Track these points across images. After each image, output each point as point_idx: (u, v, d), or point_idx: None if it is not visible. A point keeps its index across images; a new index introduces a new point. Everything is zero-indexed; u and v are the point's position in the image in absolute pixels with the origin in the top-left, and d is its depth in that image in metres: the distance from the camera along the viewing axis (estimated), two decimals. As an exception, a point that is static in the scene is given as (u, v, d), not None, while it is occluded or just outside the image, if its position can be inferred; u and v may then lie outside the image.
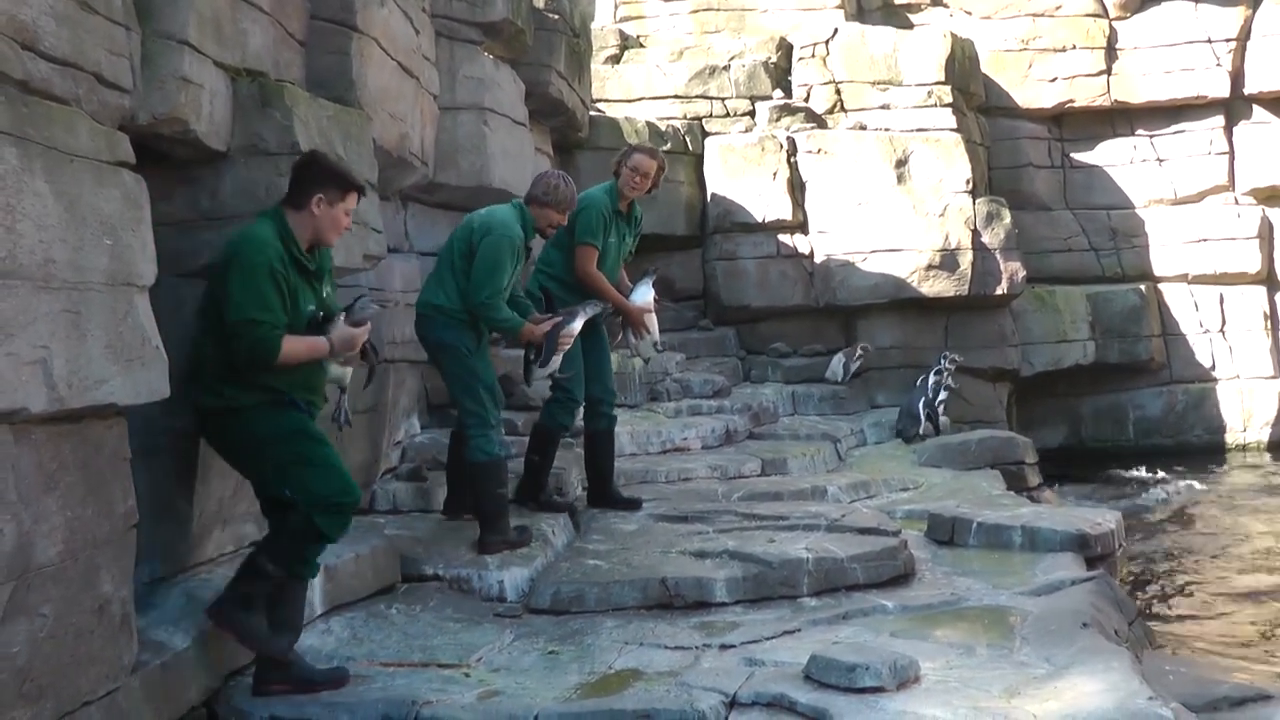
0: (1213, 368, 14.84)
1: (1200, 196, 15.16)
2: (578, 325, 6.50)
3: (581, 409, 6.99)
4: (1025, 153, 15.22)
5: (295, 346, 4.39)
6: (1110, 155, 15.42)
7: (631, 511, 7.05)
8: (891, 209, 13.01)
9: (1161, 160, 15.29)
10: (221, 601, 4.42)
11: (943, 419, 11.45)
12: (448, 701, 4.41)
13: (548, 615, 5.59)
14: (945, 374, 11.53)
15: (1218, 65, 14.92)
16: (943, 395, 11.39)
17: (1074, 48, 15.19)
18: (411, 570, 5.82)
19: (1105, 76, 15.19)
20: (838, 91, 13.92)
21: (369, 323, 4.64)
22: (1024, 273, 13.21)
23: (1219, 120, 15.12)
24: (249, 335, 4.29)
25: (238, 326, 4.29)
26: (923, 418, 11.22)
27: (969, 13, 15.58)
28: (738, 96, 14.10)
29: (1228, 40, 14.94)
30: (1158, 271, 15.08)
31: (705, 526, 6.77)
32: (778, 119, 13.76)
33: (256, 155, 4.87)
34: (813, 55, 14.09)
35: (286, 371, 4.41)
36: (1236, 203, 15.09)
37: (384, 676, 4.70)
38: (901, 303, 13.07)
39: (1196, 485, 12.49)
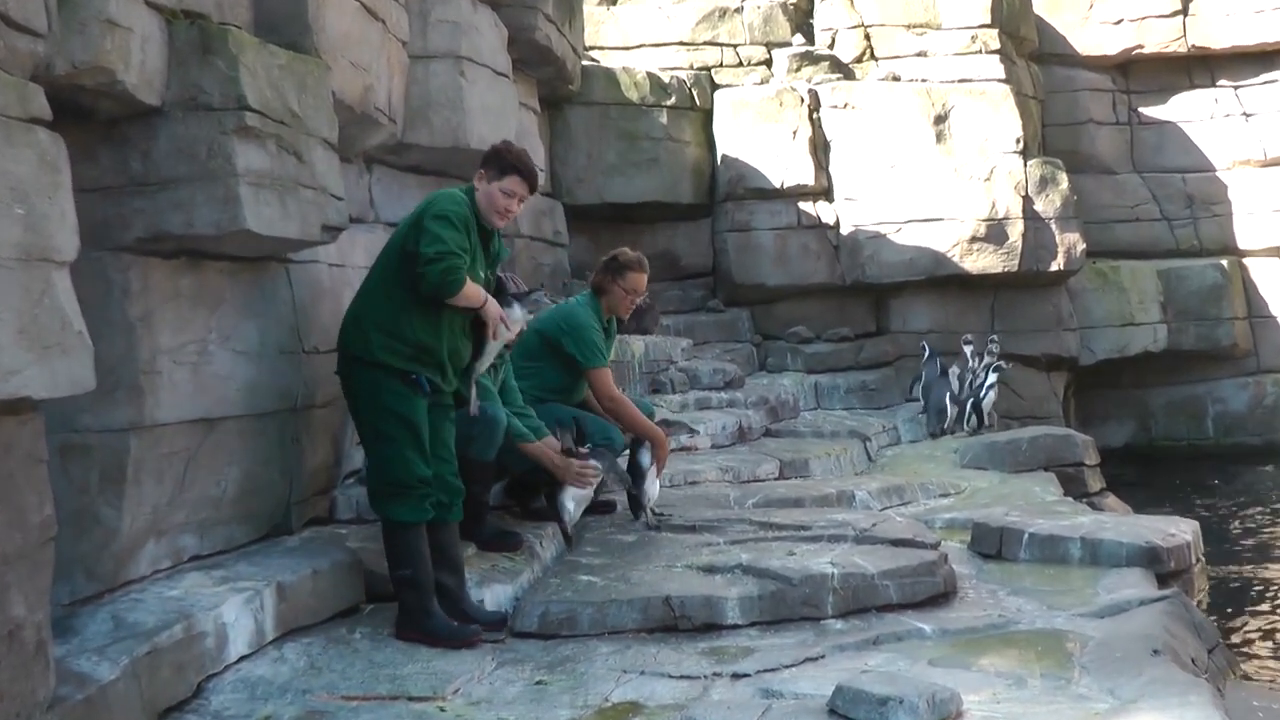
0: (1307, 355, 14.82)
1: (1293, 157, 15.15)
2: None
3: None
4: (1085, 107, 15.22)
5: (470, 289, 5.41)
6: (1186, 110, 15.40)
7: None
8: (929, 172, 13.01)
9: (1248, 115, 15.25)
10: (398, 621, 5.39)
11: (989, 414, 11.44)
12: (419, 741, 4.39)
13: (535, 639, 5.57)
14: (993, 357, 11.51)
15: (1314, 4, 14.91)
16: (991, 381, 11.34)
17: (1143, -16, 15.19)
18: (378, 588, 5.75)
19: (1181, 18, 15.15)
20: (867, 36, 13.90)
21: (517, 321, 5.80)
22: (1083, 245, 13.21)
23: (1317, 68, 15.12)
24: (445, 263, 5.24)
25: (436, 256, 5.23)
26: (950, 411, 11.19)
27: (1020, -56, 15.58)
28: (752, 43, 14.09)
29: (1326, -26, 14.93)
30: (1242, 244, 15.06)
31: (715, 537, 6.74)
32: (798, 69, 13.73)
33: (196, 110, 4.83)
34: (839, -6, 14.09)
35: (430, 350, 5.38)
36: (1336, 163, 15.08)
37: (346, 712, 4.67)
38: (941, 280, 13.10)
39: (1288, 491, 12.52)
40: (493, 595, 5.90)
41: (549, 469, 6.52)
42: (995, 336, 12.08)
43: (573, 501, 6.58)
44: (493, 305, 5.62)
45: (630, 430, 7.03)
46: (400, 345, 5.36)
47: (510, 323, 5.81)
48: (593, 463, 6.53)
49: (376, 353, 5.34)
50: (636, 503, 7.01)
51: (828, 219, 13.27)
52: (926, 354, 12.27)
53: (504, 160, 5.63)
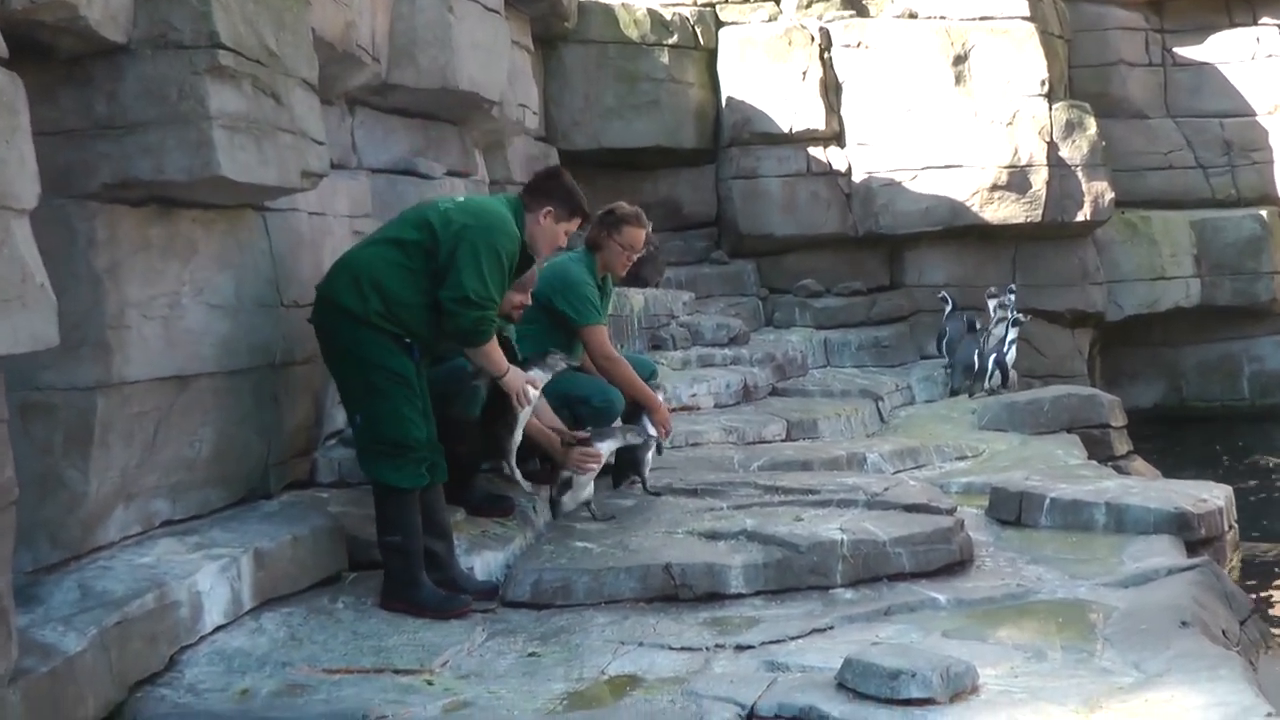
0: (1355, 312, 14.75)
1: (1343, 100, 15.06)
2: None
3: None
4: (1116, 47, 15.12)
5: (494, 351, 5.64)
6: (1225, 50, 15.29)
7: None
8: (947, 116, 12.96)
9: (1292, 56, 15.15)
10: (383, 591, 5.44)
11: (1010, 372, 11.43)
12: (406, 715, 4.41)
13: (527, 609, 5.61)
14: (1010, 309, 11.48)
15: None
16: (1012, 336, 11.34)
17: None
18: (362, 555, 5.79)
19: (1221, -51, 15.05)
20: (883, -31, 13.80)
21: (540, 384, 6.07)
22: (1112, 194, 13.16)
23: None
24: (480, 312, 5.41)
25: (473, 298, 5.35)
26: (990, 368, 11.18)
27: None
28: (760, -23, 13.99)
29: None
30: (1284, 194, 14.98)
31: (718, 502, 6.77)
32: (808, 5, 13.64)
33: (166, 49, 4.77)
34: (852, -77, 13.99)
35: (424, 340, 5.48)
36: (1389, 109, 14.98)
37: (328, 686, 4.69)
38: (959, 231, 13.07)
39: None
40: (483, 563, 5.93)
41: (548, 452, 6.53)
42: (1013, 287, 12.04)
43: (572, 501, 6.54)
44: (516, 376, 5.81)
45: (626, 393, 7.01)
46: (397, 324, 5.45)
47: (536, 388, 6.01)
48: (596, 448, 6.51)
49: (373, 317, 5.39)
50: (635, 469, 6.99)
51: (839, 165, 13.22)
52: (950, 307, 12.25)
53: (574, 203, 5.84)
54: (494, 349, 5.64)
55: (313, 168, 5.63)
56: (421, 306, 5.47)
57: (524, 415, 6.07)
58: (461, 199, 5.85)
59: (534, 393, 5.99)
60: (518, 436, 6.18)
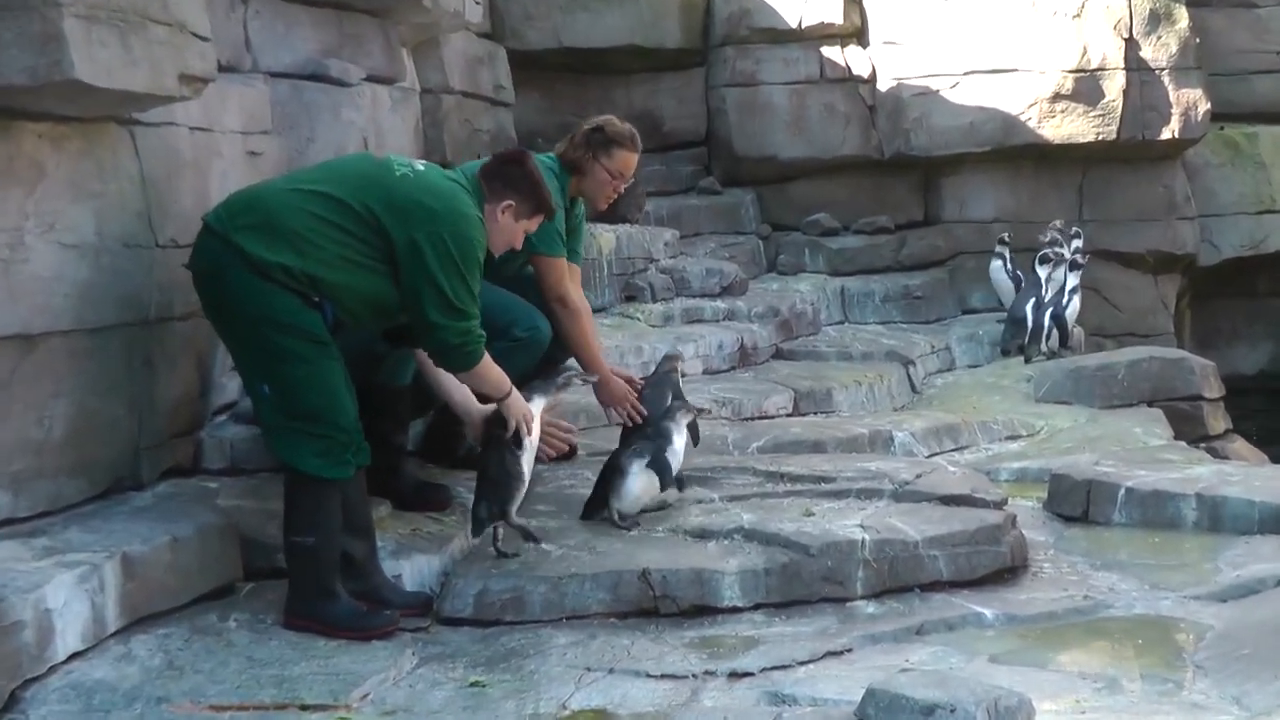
0: None
1: None
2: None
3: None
4: (1211, -87, 15.04)
5: (492, 371, 5.72)
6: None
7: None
8: (998, 7, 12.97)
9: None
10: (287, 605, 5.46)
11: (1074, 329, 11.42)
12: (313, 764, 4.45)
13: (470, 627, 5.63)
14: (1065, 249, 11.48)
15: None
16: (1073, 284, 11.32)
17: None
18: (260, 561, 5.82)
19: None
20: None
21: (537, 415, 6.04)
22: (1207, 106, 13.19)
23: None
24: (468, 322, 5.47)
25: (458, 306, 5.41)
26: (1046, 324, 11.15)
27: None
28: None
29: None
30: None
31: (708, 492, 6.77)
32: None
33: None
34: None
35: (359, 311, 5.51)
36: None
37: (215, 727, 4.71)
38: (1012, 153, 13.11)
39: None
40: (414, 569, 5.95)
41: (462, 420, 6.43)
42: (1059, 223, 12.00)
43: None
44: (517, 401, 5.86)
45: (572, 352, 6.95)
46: (311, 288, 5.40)
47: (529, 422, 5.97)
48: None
49: (275, 273, 5.34)
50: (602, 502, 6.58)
51: (860, 70, 13.23)
52: (1000, 251, 12.31)
53: (540, 198, 5.88)
54: (489, 366, 5.67)
55: (194, 70, 5.59)
56: (348, 277, 5.43)
57: (529, 452, 5.98)
58: (421, 167, 5.79)
59: (534, 431, 5.97)
60: (525, 478, 6.00)
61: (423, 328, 5.48)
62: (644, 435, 6.54)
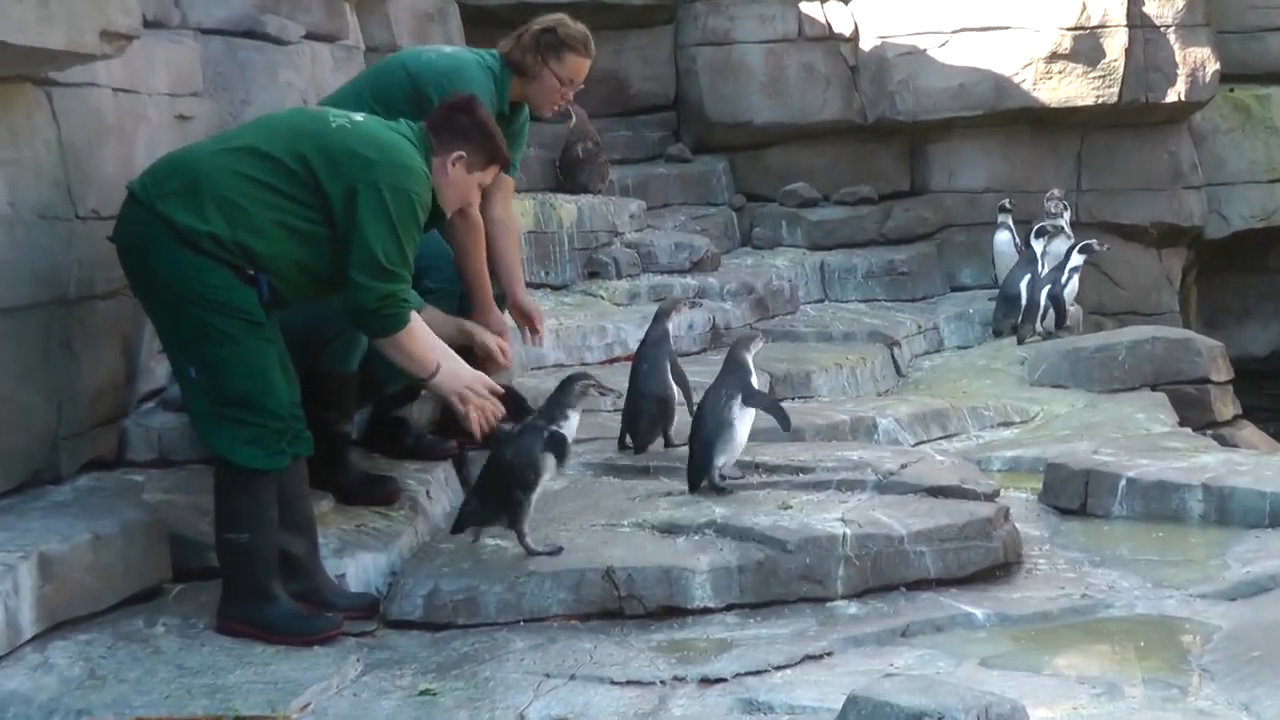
0: None
1: None
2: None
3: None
4: None
5: (419, 338, 5.55)
6: None
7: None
8: (990, -42, 12.94)
9: None
10: (221, 608, 5.44)
11: (1071, 307, 11.44)
12: (250, 781, 4.46)
13: (419, 631, 5.66)
14: (1062, 219, 11.51)
15: None
16: (1076, 263, 11.34)
17: None
18: (191, 560, 5.82)
19: None
20: None
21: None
22: (1217, 66, 13.28)
23: None
24: (391, 285, 5.37)
25: (385, 265, 5.34)
26: (1042, 302, 11.17)
27: None
28: None
29: None
30: None
31: (678, 483, 6.80)
32: None
33: None
34: None
35: (291, 276, 5.42)
36: None
37: (142, 741, 4.72)
38: (1005, 117, 13.18)
39: None
40: (358, 568, 5.97)
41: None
42: (1057, 193, 12.05)
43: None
44: (449, 377, 5.62)
45: (460, 272, 6.81)
46: (244, 258, 5.37)
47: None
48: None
49: (205, 243, 5.31)
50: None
51: (842, 27, 13.27)
52: (1004, 220, 12.36)
53: (493, 147, 5.82)
54: (414, 336, 5.53)
55: (117, 25, 5.55)
56: (285, 245, 5.41)
57: (547, 474, 5.92)
58: (360, 119, 5.76)
59: (549, 471, 5.89)
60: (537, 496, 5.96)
61: (348, 283, 5.38)
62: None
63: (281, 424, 5.40)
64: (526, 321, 7.14)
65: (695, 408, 6.88)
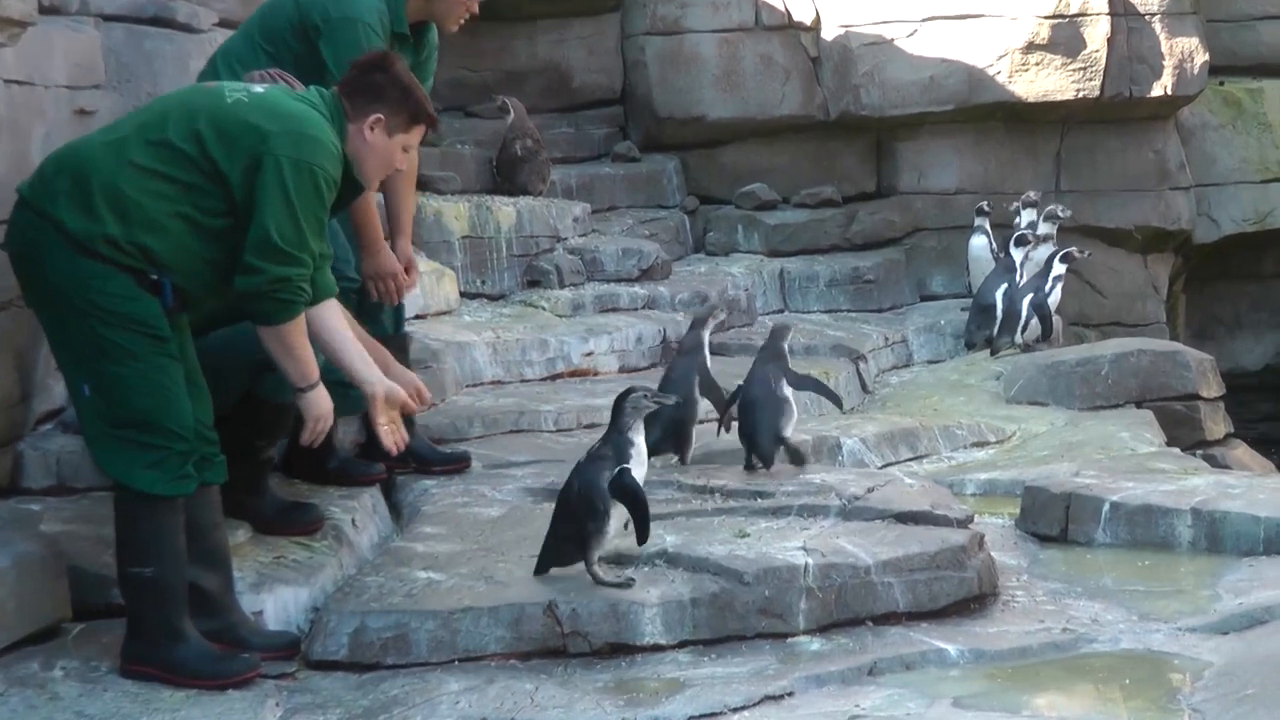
0: None
1: None
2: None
3: None
4: None
5: (298, 337, 5.42)
6: None
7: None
8: (961, -59, 13.00)
9: None
10: (125, 649, 5.41)
11: (1054, 318, 11.48)
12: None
13: (344, 672, 5.65)
14: (1041, 218, 11.55)
15: None
16: (1058, 272, 11.41)
17: None
18: (93, 597, 5.81)
19: None
20: None
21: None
22: (1205, 57, 13.37)
23: None
24: (285, 268, 5.28)
25: (279, 245, 5.25)
26: (1025, 313, 11.18)
27: None
28: None
29: None
30: None
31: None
32: None
33: None
34: None
35: (195, 271, 5.37)
36: None
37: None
38: (978, 112, 13.26)
39: None
40: (277, 604, 5.98)
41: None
42: (1033, 194, 12.07)
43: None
44: (317, 400, 5.56)
45: (355, 225, 6.83)
46: (142, 259, 5.33)
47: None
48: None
49: (100, 246, 5.27)
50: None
51: (802, 15, 13.31)
52: (981, 224, 12.37)
53: (414, 105, 5.69)
54: (297, 333, 5.45)
55: (10, 11, 5.59)
56: (188, 241, 5.35)
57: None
58: (259, 89, 5.71)
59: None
60: (612, 527, 5.90)
61: (240, 266, 5.29)
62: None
63: (186, 445, 5.34)
64: (379, 276, 7.04)
65: (723, 425, 7.25)
